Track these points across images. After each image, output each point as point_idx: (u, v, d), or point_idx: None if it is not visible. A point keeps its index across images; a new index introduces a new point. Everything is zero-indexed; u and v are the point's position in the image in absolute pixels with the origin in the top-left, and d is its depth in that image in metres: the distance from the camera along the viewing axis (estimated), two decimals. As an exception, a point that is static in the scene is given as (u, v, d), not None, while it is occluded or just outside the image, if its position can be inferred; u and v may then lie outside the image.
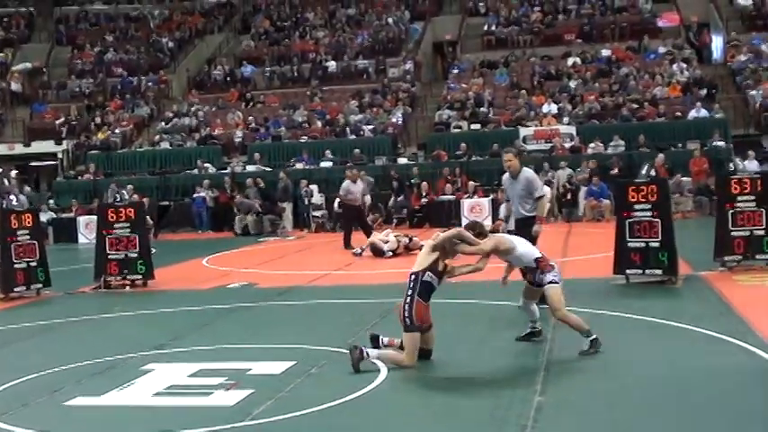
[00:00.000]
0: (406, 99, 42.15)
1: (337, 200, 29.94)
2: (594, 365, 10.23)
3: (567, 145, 35.32)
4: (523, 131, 36.52)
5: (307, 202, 33.32)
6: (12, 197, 19.76)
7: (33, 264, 18.58)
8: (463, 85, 42.08)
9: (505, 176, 14.71)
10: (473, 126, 38.28)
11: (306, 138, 39.42)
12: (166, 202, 36.23)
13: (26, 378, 10.93)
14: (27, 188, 33.85)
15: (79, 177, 38.80)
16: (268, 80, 47.22)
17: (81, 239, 33.13)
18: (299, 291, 17.57)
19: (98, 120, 44.50)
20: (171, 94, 48.46)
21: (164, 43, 51.87)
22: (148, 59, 50.73)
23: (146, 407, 9.40)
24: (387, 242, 23.29)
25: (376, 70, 45.87)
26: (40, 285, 18.74)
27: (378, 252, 23.08)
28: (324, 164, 36.36)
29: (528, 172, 14.47)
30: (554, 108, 38.03)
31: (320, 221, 33.05)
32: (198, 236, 33.57)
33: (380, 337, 11.05)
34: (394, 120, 39.92)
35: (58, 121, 45.07)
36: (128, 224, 19.13)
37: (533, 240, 13.52)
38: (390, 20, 50.06)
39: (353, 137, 38.88)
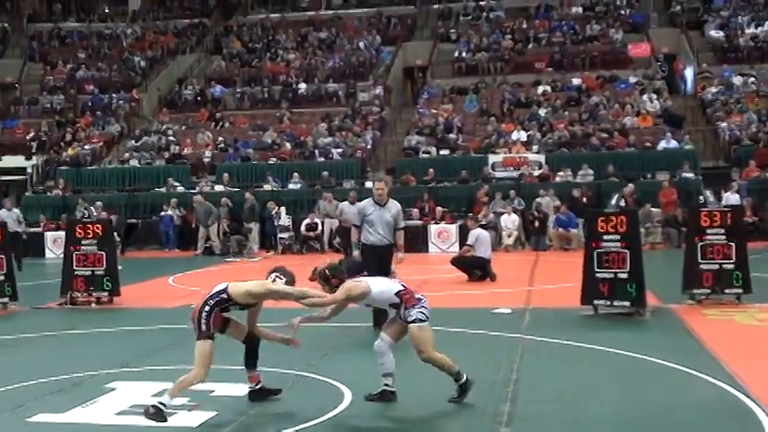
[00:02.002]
0: (376, 123, 42.21)
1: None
2: (562, 397, 10.15)
3: (536, 173, 35.38)
4: (492, 158, 36.58)
5: (275, 224, 33.25)
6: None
7: (1, 278, 18.45)
8: (433, 111, 42.16)
9: (367, 203, 15.03)
10: (442, 152, 38.30)
11: (274, 159, 39.34)
12: (134, 220, 36.10)
13: (-12, 393, 10.80)
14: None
15: (48, 193, 38.64)
16: (238, 101, 47.25)
17: (48, 254, 33.13)
18: (265, 312, 17.40)
19: (68, 136, 44.35)
20: (141, 113, 48.32)
21: (136, 62, 51.90)
22: (120, 77, 50.75)
23: (109, 425, 9.29)
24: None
25: (346, 94, 45.94)
26: (7, 300, 18.62)
27: None
28: (292, 186, 36.29)
29: (396, 203, 15.20)
30: (523, 135, 38.11)
31: (287, 243, 32.97)
32: (164, 254, 33.47)
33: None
34: (363, 144, 39.91)
35: (28, 137, 44.93)
36: (95, 241, 19.03)
37: (388, 267, 14.61)
38: (362, 44, 50.30)
39: (322, 159, 38.80)
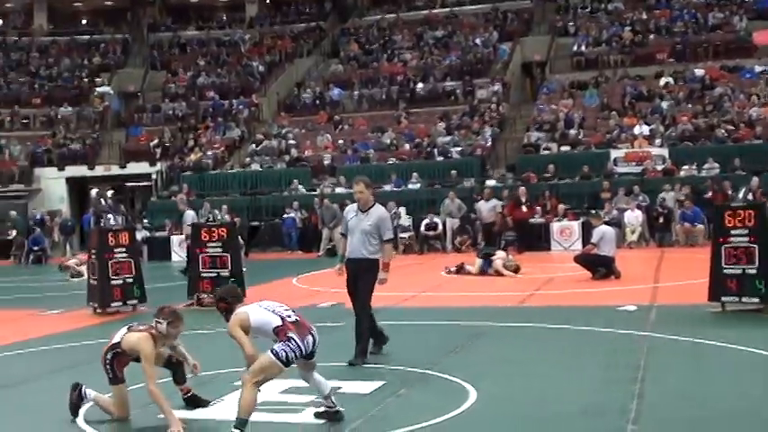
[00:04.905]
0: (495, 120, 41.97)
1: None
2: (690, 395, 10.01)
3: (659, 167, 34.74)
4: (614, 153, 36.00)
5: (396, 223, 33.30)
6: (109, 216, 20.17)
7: (130, 280, 19.09)
8: (552, 107, 41.79)
9: (350, 208, 13.36)
10: (563, 148, 37.93)
11: (394, 160, 39.47)
12: (257, 223, 36.60)
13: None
14: (122, 207, 34.55)
15: (172, 198, 39.24)
16: (357, 103, 47.42)
17: (174, 257, 33.71)
18: (387, 311, 17.46)
19: (191, 142, 45.17)
20: (261, 117, 48.96)
21: (254, 67, 52.52)
22: (239, 83, 51.43)
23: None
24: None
25: (464, 92, 45.72)
26: (136, 301, 19.23)
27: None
28: (411, 186, 36.31)
29: (381, 209, 13.07)
30: (646, 129, 37.41)
31: (407, 243, 32.99)
32: (287, 255, 33.85)
33: (83, 388, 10.11)
34: (482, 141, 39.76)
35: (152, 144, 46.08)
36: (220, 243, 19.40)
37: (371, 288, 12.77)
38: (478, 41, 50.06)
39: (441, 159, 38.79)
